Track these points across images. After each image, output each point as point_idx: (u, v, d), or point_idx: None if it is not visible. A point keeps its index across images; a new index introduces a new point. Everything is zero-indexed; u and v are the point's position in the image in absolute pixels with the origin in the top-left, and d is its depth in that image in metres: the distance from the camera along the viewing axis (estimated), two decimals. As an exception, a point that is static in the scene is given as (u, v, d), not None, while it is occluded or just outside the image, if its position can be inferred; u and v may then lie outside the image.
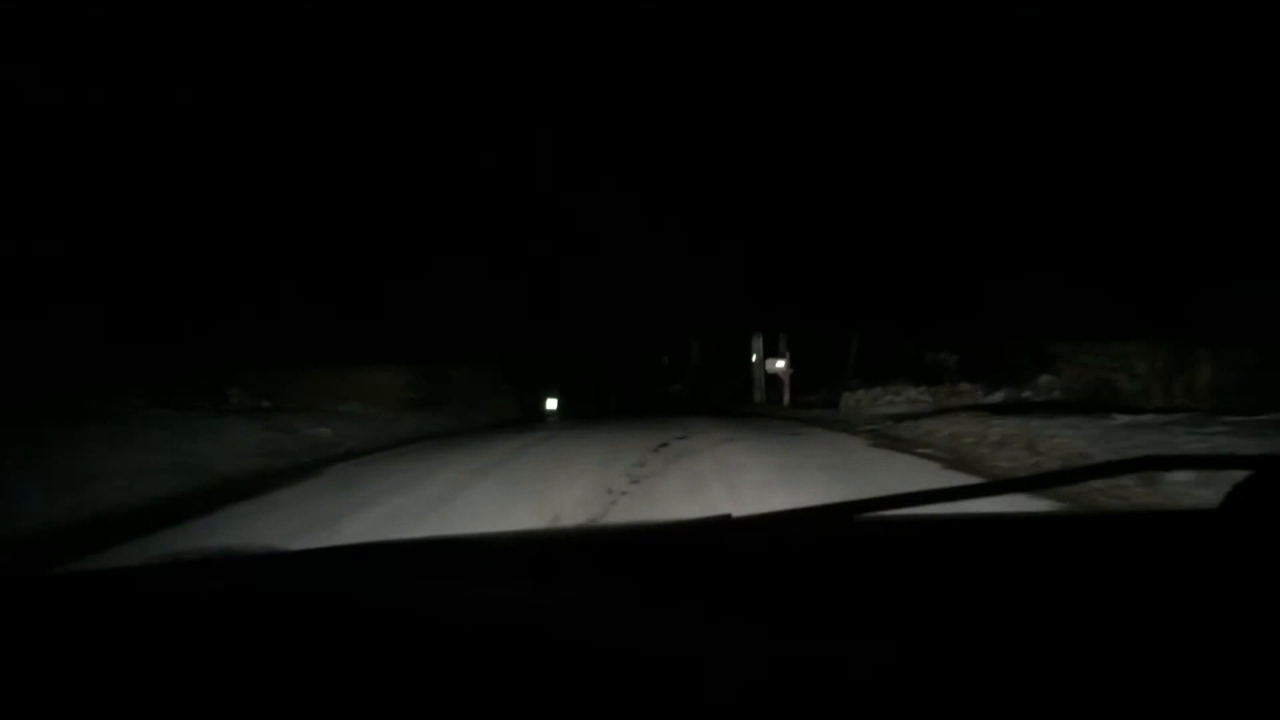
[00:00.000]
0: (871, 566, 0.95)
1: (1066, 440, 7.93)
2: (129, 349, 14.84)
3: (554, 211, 26.27)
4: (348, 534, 4.86)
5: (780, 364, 23.78)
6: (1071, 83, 16.04)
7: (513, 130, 24.67)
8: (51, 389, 12.23)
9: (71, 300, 14.16)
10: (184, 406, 12.32)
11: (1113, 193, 17.06)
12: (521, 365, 27.78)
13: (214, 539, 5.08)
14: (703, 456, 8.50)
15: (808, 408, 20.72)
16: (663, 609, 0.78)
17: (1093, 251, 17.07)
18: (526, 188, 25.61)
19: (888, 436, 10.88)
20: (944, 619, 0.74)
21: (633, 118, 26.13)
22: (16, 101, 13.27)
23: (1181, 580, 0.81)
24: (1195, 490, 4.89)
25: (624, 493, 6.23)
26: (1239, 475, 0.94)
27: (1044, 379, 16.77)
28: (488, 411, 21.48)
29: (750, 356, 28.08)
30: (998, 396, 16.31)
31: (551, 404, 26.97)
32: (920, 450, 9.01)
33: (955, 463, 7.75)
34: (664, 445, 9.75)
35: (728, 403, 27.33)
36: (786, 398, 23.13)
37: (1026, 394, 16.39)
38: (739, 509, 1.07)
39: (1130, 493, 5.27)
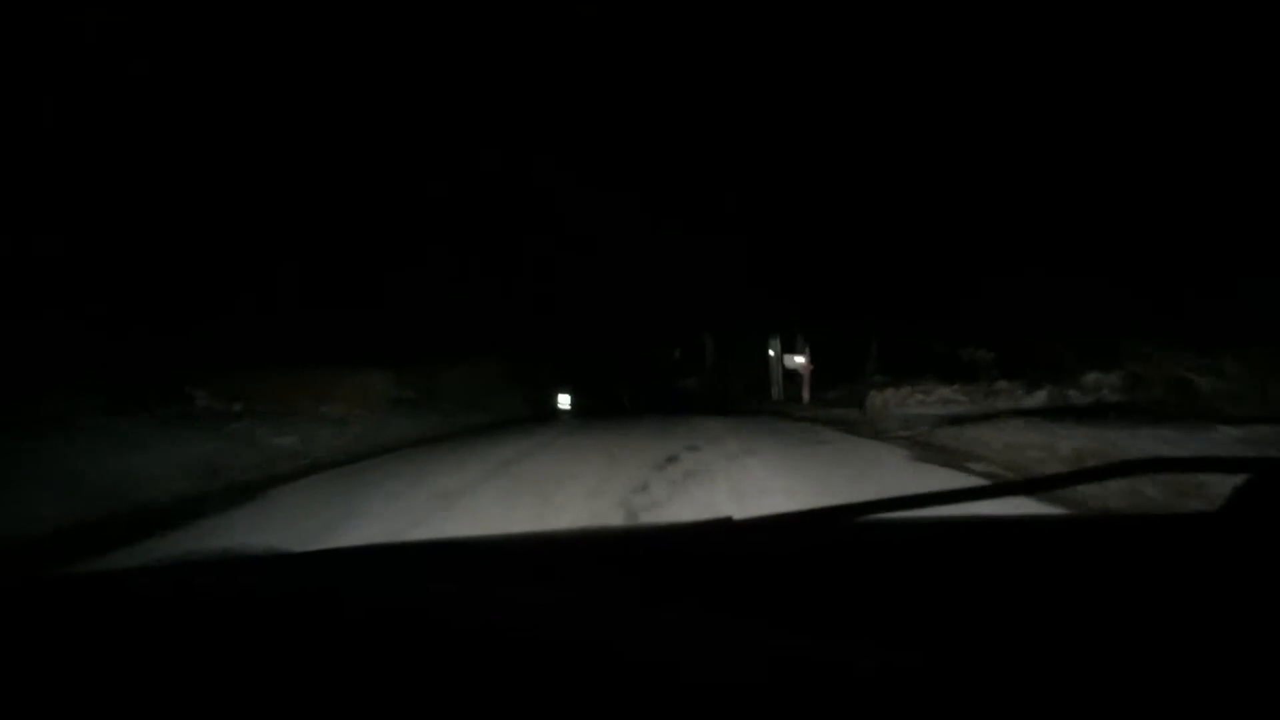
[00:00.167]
0: (872, 569, 0.93)
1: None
2: (103, 350, 13.61)
3: (556, 210, 25.73)
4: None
5: (800, 359, 22.21)
6: (1113, 66, 15.24)
7: (514, 129, 23.94)
8: (9, 395, 10.97)
9: (39, 300, 12.98)
10: (143, 412, 10.94)
11: (1165, 180, 15.85)
12: (528, 362, 26.48)
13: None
14: (716, 478, 6.98)
15: (828, 406, 19.14)
16: (664, 610, 0.78)
17: (1147, 243, 15.78)
18: (527, 187, 25.08)
19: (929, 446, 9.32)
20: (944, 621, 0.73)
21: (641, 116, 25.51)
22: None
23: (1182, 583, 0.80)
24: None
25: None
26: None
27: (1090, 377, 15.13)
28: (490, 410, 20.04)
29: (767, 351, 26.51)
30: (1040, 396, 14.70)
31: (564, 401, 26.43)
32: (974, 466, 7.46)
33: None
34: (672, 460, 8.24)
35: (743, 399, 25.78)
36: (806, 395, 21.56)
37: (1072, 393, 14.78)
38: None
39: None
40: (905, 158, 21.78)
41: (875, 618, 0.76)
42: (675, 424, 14.49)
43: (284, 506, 6.41)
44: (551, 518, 5.38)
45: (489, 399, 22.37)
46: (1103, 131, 16.38)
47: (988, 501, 0.99)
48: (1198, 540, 0.95)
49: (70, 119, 14.42)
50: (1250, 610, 0.71)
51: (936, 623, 0.74)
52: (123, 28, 13.51)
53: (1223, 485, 0.96)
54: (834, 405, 19.26)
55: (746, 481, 6.66)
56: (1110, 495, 4.94)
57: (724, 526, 1.01)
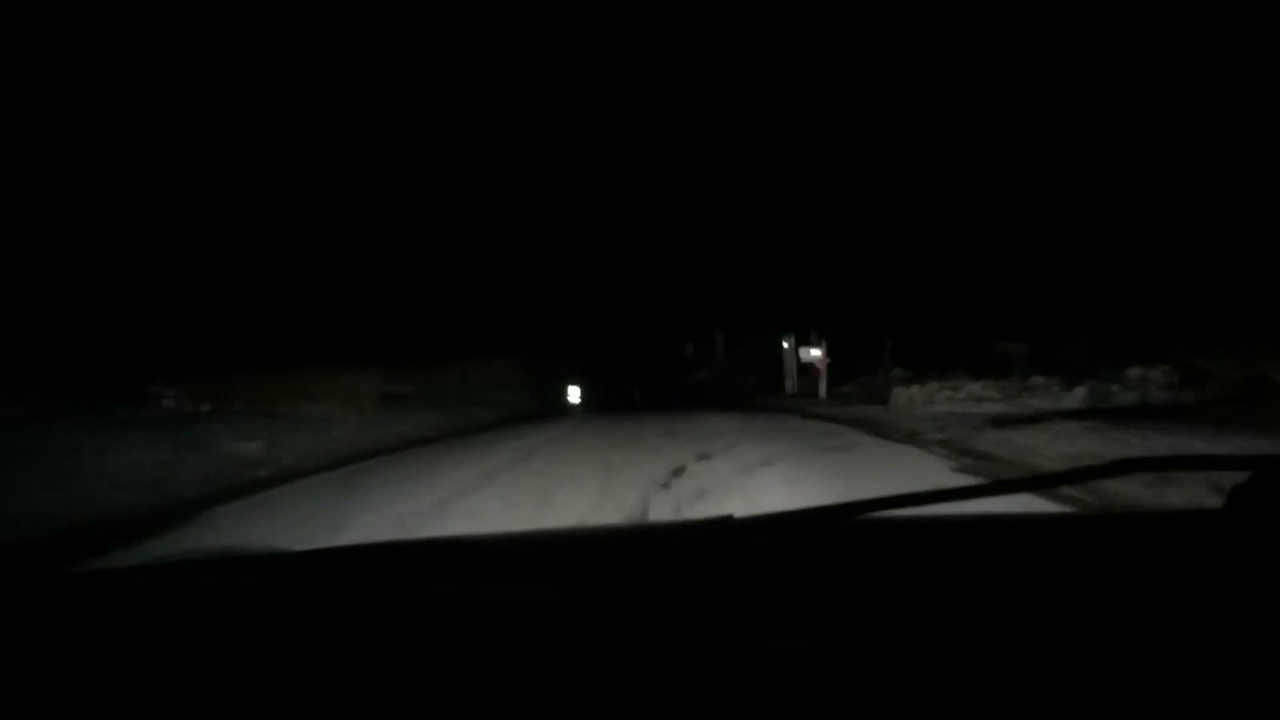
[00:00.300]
0: (873, 568, 0.92)
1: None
2: (77, 351, 12.64)
3: (556, 210, 25.39)
4: None
5: (816, 353, 20.94)
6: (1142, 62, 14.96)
7: (514, 129, 23.77)
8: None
9: (11, 300, 12.00)
10: (105, 416, 9.83)
11: (1200, 172, 14.97)
12: (535, 359, 25.49)
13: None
14: (730, 498, 5.79)
15: (846, 401, 17.90)
16: (664, 610, 0.77)
17: (1192, 233, 14.80)
18: (527, 187, 24.71)
19: (972, 454, 8.08)
20: (946, 620, 0.73)
21: (641, 116, 25.46)
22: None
23: (1184, 581, 0.79)
24: None
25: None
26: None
27: (1133, 372, 13.84)
28: (495, 406, 18.90)
29: (780, 344, 25.26)
30: (1079, 393, 13.41)
31: (574, 396, 25.54)
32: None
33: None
34: (679, 473, 7.04)
35: (756, 394, 24.56)
36: (823, 390, 20.30)
37: (1114, 390, 13.50)
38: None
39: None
40: (922, 153, 21.50)
41: (876, 617, 0.74)
42: (684, 423, 13.29)
43: (207, 536, 5.26)
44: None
45: (494, 395, 21.32)
46: (1141, 125, 15.94)
47: (988, 499, 0.98)
48: (1199, 538, 0.93)
49: (67, 118, 14.02)
50: (1252, 608, 0.70)
51: (938, 622, 0.72)
52: (123, 28, 13.29)
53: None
54: (852, 401, 18.01)
55: (768, 504, 5.47)
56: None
57: (724, 525, 1.00)
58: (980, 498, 0.98)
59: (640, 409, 19.59)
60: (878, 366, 23.61)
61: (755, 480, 6.57)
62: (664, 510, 5.36)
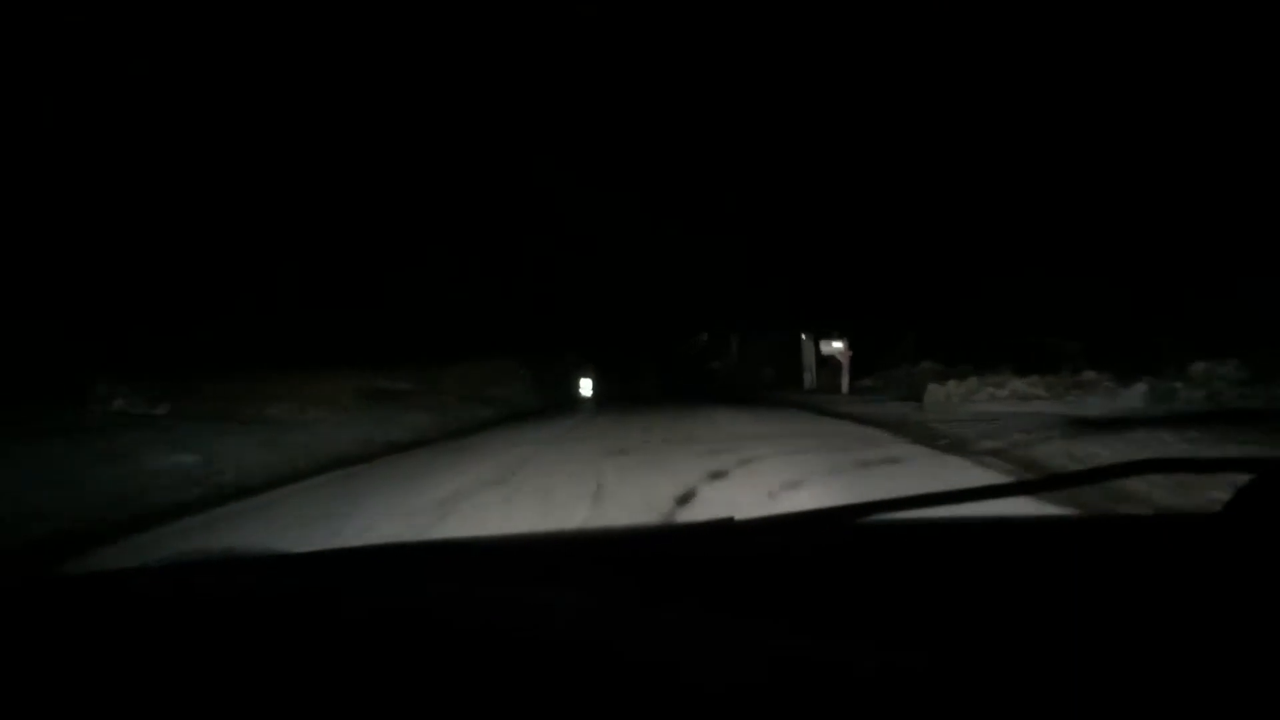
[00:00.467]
0: (874, 570, 0.91)
1: None
2: (22, 346, 11.40)
3: (561, 209, 25.05)
4: None
5: (837, 345, 19.35)
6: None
7: (514, 129, 23.30)
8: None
9: None
10: (24, 419, 8.44)
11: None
12: (542, 356, 24.29)
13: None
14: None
15: (870, 397, 16.32)
16: (665, 610, 0.76)
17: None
18: (528, 186, 24.38)
19: (1043, 470, 6.52)
20: (946, 622, 0.72)
21: (641, 116, 24.88)
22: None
23: (1184, 584, 0.79)
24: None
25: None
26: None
27: (1198, 366, 12.20)
28: (499, 404, 17.45)
29: (798, 336, 23.67)
30: (1138, 390, 11.78)
31: (586, 389, 24.60)
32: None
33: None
34: (686, 500, 5.51)
35: (773, 389, 23.01)
36: (845, 384, 18.70)
37: (1177, 386, 11.86)
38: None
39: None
40: (941, 144, 20.62)
41: (876, 618, 0.74)
42: (697, 423, 11.77)
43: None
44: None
45: (498, 391, 19.91)
46: (1152, 122, 15.39)
47: (989, 502, 0.97)
48: (1200, 541, 0.91)
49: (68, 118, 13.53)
50: (1252, 610, 0.69)
51: (938, 624, 0.72)
52: (123, 28, 13.11)
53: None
54: (877, 396, 16.44)
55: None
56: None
57: (726, 527, 0.99)
58: (981, 500, 0.96)
59: (651, 403, 18.09)
60: (901, 359, 22.01)
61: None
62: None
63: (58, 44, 12.49)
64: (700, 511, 5.07)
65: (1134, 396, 11.72)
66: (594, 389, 24.78)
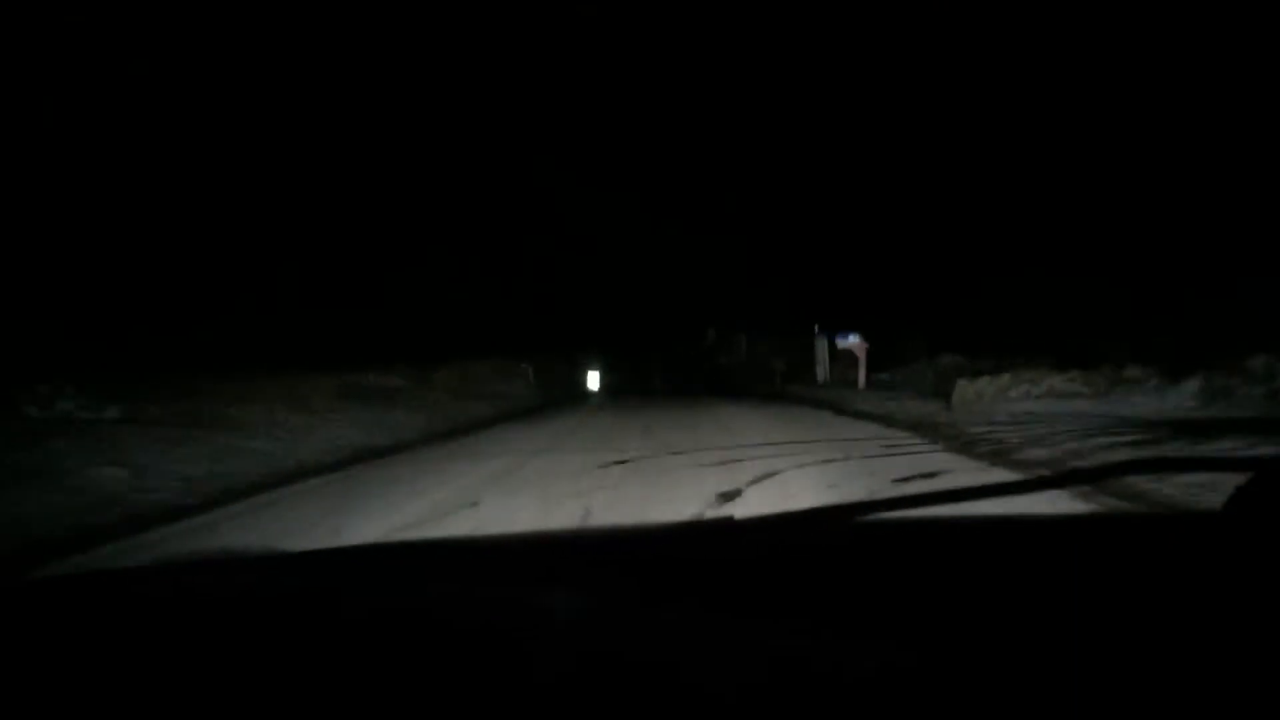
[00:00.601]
0: (873, 569, 0.90)
1: None
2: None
3: (561, 209, 24.66)
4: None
5: (853, 338, 18.15)
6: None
7: (514, 129, 23.15)
8: None
9: None
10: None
11: None
12: (543, 352, 23.44)
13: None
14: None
15: (890, 393, 15.12)
16: (664, 610, 0.75)
17: None
18: (528, 186, 24.05)
19: (1130, 498, 5.33)
20: (945, 622, 0.71)
21: (641, 116, 25.02)
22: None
23: (1183, 583, 0.78)
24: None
25: None
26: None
27: (1258, 361, 10.97)
28: (492, 400, 16.33)
29: (811, 328, 22.46)
30: (1189, 388, 10.55)
31: (593, 383, 23.96)
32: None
33: None
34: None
35: (784, 383, 21.82)
36: (862, 379, 17.50)
37: (1232, 382, 10.64)
38: None
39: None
40: (946, 138, 20.32)
41: (877, 618, 0.72)
42: (704, 425, 10.62)
43: None
44: None
45: (499, 388, 18.82)
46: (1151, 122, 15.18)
47: (988, 501, 0.95)
48: (1199, 540, 0.90)
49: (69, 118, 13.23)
50: (1251, 610, 0.68)
51: (937, 623, 0.71)
52: (123, 28, 12.90)
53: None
54: (896, 392, 15.25)
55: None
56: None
57: (726, 526, 0.99)
58: (981, 499, 0.94)
59: (657, 402, 16.96)
60: (919, 352, 20.81)
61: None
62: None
63: (58, 44, 12.32)
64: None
65: (1184, 394, 10.50)
66: (601, 383, 24.09)
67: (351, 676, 0.60)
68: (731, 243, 26.95)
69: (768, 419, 11.32)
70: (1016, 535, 1.09)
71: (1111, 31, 15.65)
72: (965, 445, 8.04)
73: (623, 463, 7.23)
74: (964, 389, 11.47)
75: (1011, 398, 11.09)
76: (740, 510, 4.96)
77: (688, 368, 29.76)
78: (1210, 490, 4.85)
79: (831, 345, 20.96)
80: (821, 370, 21.26)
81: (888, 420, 10.67)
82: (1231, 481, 0.78)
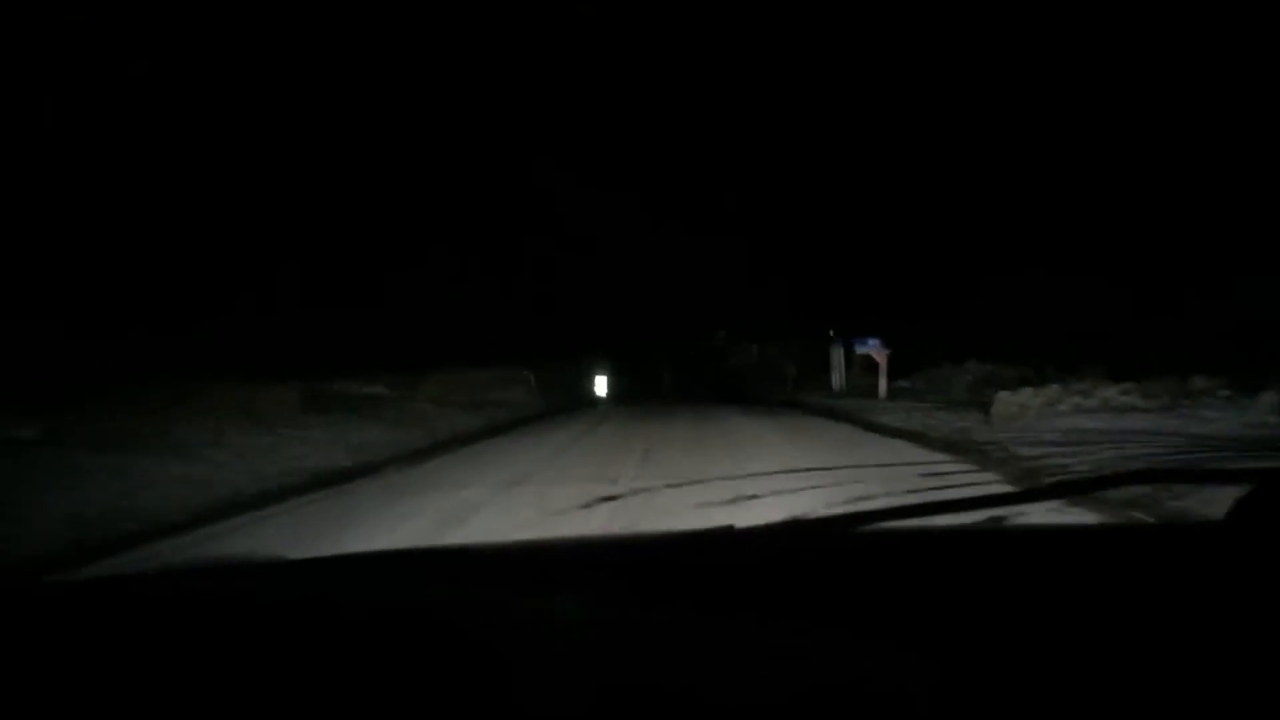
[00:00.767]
0: (873, 579, 0.87)
1: None
2: None
3: (561, 209, 24.22)
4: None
5: (873, 342, 16.66)
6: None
7: (514, 129, 22.52)
8: None
9: None
10: None
11: None
12: (546, 356, 22.20)
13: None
14: None
15: (914, 403, 13.64)
16: (664, 618, 0.73)
17: None
18: (528, 186, 23.52)
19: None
20: (946, 632, 0.69)
21: (653, 117, 24.49)
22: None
23: (1184, 594, 0.76)
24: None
25: None
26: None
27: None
28: (486, 410, 14.95)
29: (826, 332, 21.01)
30: (1267, 400, 9.07)
31: (601, 388, 22.84)
32: None
33: None
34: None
35: (798, 390, 20.36)
36: (883, 387, 15.99)
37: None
38: None
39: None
40: (962, 138, 19.78)
41: (875, 628, 0.70)
42: (713, 444, 9.19)
43: None
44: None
45: (497, 395, 17.46)
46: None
47: (990, 510, 0.95)
48: (1201, 550, 0.90)
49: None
50: (1253, 620, 0.67)
51: (938, 631, 0.69)
52: (123, 28, 12.66)
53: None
54: (919, 402, 13.78)
55: None
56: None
57: (725, 535, 0.92)
58: (981, 510, 0.94)
59: (663, 411, 15.55)
60: (939, 357, 19.34)
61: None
62: None
63: (58, 44, 12.03)
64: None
65: (1263, 409, 8.99)
66: (609, 389, 22.90)
67: (350, 681, 0.59)
68: (735, 243, 26.19)
69: (784, 435, 9.87)
70: (1018, 545, 1.05)
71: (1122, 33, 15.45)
72: (1023, 475, 6.57)
73: (611, 499, 5.80)
74: (1005, 401, 9.97)
75: (1060, 411, 9.60)
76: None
77: (697, 371, 28.41)
78: None
79: (847, 350, 19.54)
80: (837, 377, 19.81)
81: (921, 438, 9.19)
82: None
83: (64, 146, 12.89)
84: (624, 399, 21.18)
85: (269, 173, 16.36)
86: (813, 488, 5.98)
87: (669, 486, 6.26)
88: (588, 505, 5.60)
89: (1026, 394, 10.01)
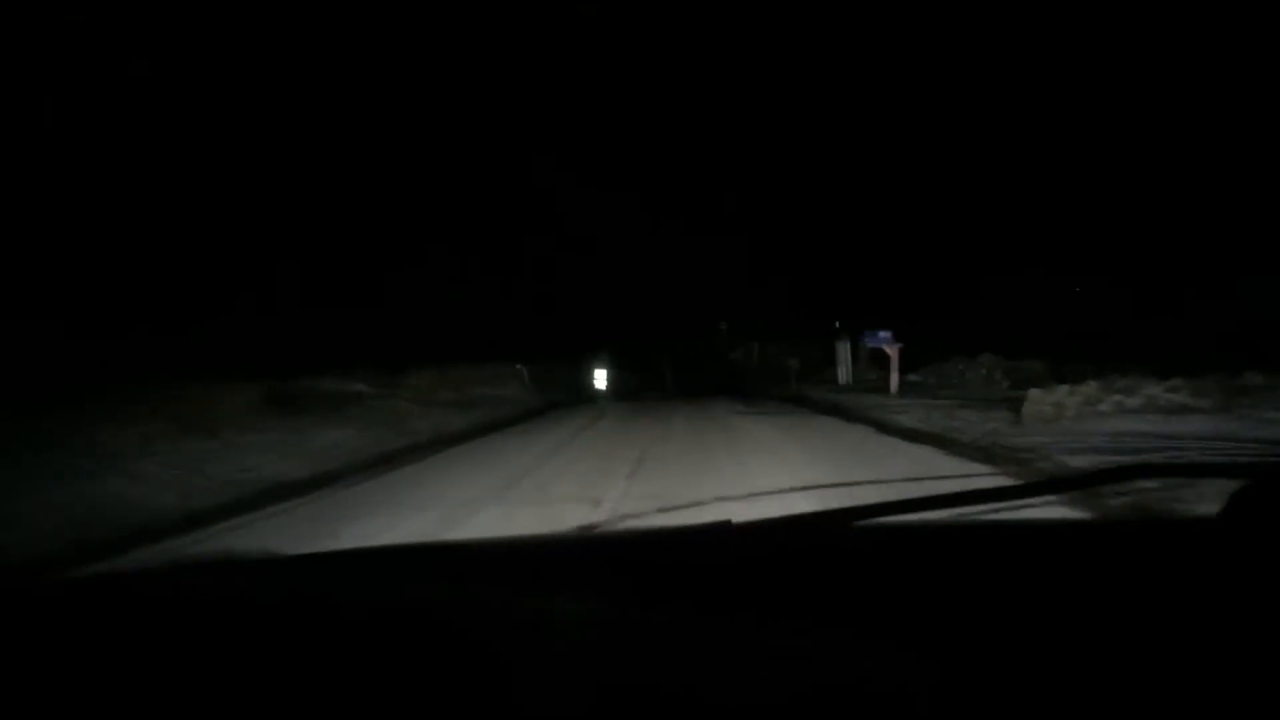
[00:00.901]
0: (871, 573, 0.87)
1: None
2: None
3: (561, 209, 23.91)
4: None
5: (884, 334, 15.50)
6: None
7: (514, 129, 22.18)
8: None
9: None
10: None
11: None
12: (544, 353, 21.33)
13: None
14: None
15: (929, 401, 12.51)
16: (664, 614, 0.73)
17: None
18: (528, 186, 23.19)
19: None
20: (943, 627, 0.69)
21: (653, 117, 24.20)
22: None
23: (1180, 589, 0.76)
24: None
25: None
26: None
27: None
28: (476, 408, 13.84)
29: (832, 324, 19.87)
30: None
31: (600, 382, 22.01)
32: None
33: None
34: None
35: (802, 385, 19.23)
36: (895, 382, 14.83)
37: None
38: None
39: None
40: (968, 133, 19.46)
41: (875, 628, 0.69)
42: (713, 451, 8.08)
43: None
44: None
45: (489, 391, 16.39)
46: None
47: (988, 505, 0.93)
48: (1197, 545, 0.87)
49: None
50: (1249, 615, 0.66)
51: (934, 625, 0.69)
52: (123, 28, 12.47)
53: None
54: (933, 398, 12.66)
55: None
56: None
57: (722, 530, 0.91)
58: (979, 504, 0.91)
59: (661, 410, 14.47)
60: (947, 350, 18.22)
61: None
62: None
63: (58, 44, 11.83)
64: None
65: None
66: (609, 383, 22.12)
67: (348, 678, 0.58)
68: (735, 239, 26.00)
69: (793, 440, 8.73)
70: (1015, 540, 1.03)
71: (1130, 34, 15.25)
72: (1085, 500, 5.43)
73: (588, 529, 4.68)
74: (1038, 400, 8.82)
75: (1101, 411, 8.45)
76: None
77: (698, 366, 27.38)
78: None
79: (854, 343, 18.42)
80: (844, 371, 18.66)
81: (947, 443, 8.05)
82: None
83: (64, 147, 12.54)
84: (624, 395, 20.34)
85: (269, 173, 16.02)
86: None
87: (661, 511, 5.13)
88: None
89: (1061, 392, 8.86)
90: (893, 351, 14.92)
